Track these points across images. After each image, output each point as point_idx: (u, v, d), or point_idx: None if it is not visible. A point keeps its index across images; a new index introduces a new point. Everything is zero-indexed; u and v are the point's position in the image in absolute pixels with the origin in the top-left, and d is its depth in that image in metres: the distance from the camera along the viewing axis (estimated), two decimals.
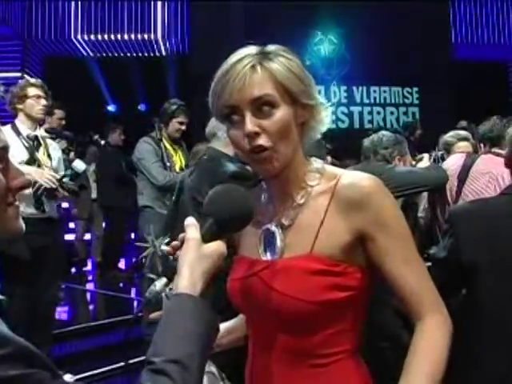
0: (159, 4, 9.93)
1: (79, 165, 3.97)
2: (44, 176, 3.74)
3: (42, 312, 3.91)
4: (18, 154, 3.75)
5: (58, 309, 5.93)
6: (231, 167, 2.77)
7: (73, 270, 7.62)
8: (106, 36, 9.86)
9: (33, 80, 4.21)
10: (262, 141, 1.19)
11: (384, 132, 3.55)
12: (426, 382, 1.16)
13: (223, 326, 1.45)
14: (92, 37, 9.84)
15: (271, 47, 1.25)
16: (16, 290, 3.55)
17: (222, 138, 2.69)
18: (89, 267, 7.94)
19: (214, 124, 2.88)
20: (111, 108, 10.17)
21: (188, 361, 0.97)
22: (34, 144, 3.93)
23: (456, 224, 1.94)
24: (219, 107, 1.23)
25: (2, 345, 0.83)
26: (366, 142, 3.49)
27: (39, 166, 3.88)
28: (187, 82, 9.20)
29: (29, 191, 3.51)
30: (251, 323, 1.37)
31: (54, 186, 3.74)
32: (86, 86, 9.16)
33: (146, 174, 4.88)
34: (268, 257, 1.29)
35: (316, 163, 1.31)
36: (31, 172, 3.59)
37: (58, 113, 5.69)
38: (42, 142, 3.98)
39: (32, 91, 3.94)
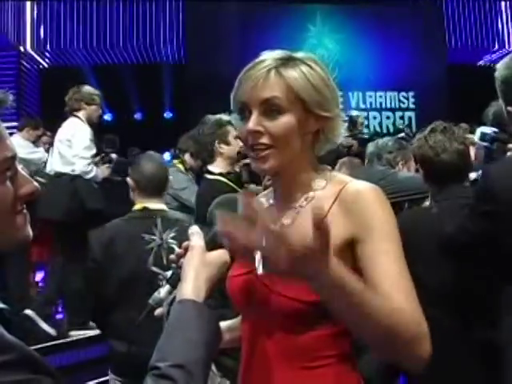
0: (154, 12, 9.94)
1: None
2: None
3: None
4: None
5: (57, 317, 5.92)
6: None
7: None
8: (101, 45, 9.87)
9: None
10: (264, 139, 1.25)
11: (389, 137, 3.59)
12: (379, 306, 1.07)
13: (225, 323, 1.49)
14: (88, 46, 9.85)
15: (299, 54, 1.30)
16: None
17: None
18: None
19: None
20: (107, 117, 10.17)
21: (193, 366, 0.98)
22: None
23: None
24: (235, 100, 1.30)
25: (7, 351, 0.84)
26: (371, 146, 3.52)
27: None
28: (183, 90, 9.21)
29: None
30: (246, 320, 1.38)
31: None
32: None
33: (187, 204, 4.57)
34: None
35: (326, 170, 1.35)
36: None
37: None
38: None
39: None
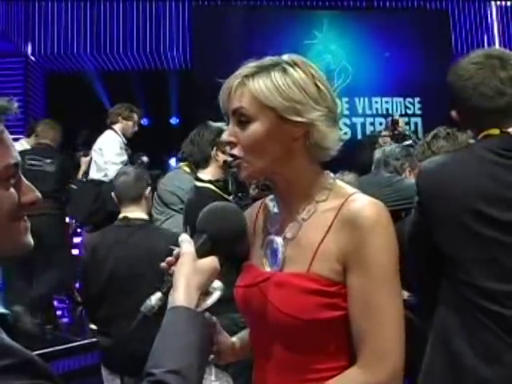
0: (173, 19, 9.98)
1: None
2: None
3: None
4: None
5: (63, 322, 5.94)
6: None
7: (77, 285, 7.57)
8: (108, 50, 9.90)
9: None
10: (235, 150, 1.27)
11: (396, 144, 3.58)
12: None
13: (239, 336, 1.49)
14: (94, 52, 9.89)
15: (282, 57, 1.28)
16: None
17: None
18: None
19: None
20: None
21: (187, 371, 0.98)
22: None
23: None
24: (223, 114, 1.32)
25: (8, 355, 0.84)
26: (378, 153, 3.52)
27: None
28: (189, 96, 9.22)
29: None
30: (252, 331, 1.40)
31: None
32: (89, 101, 9.19)
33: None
34: (270, 268, 1.31)
35: (328, 179, 1.31)
36: None
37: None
38: None
39: None
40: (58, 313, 6.37)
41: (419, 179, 1.86)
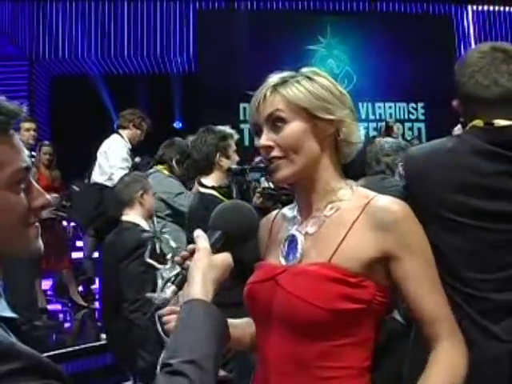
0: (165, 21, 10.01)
1: None
2: None
3: None
4: None
5: (66, 325, 5.94)
6: None
7: (80, 288, 7.58)
8: (112, 55, 9.93)
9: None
10: (275, 152, 1.33)
11: (386, 139, 3.51)
12: None
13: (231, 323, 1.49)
14: (99, 55, 9.91)
15: (302, 70, 1.39)
16: None
17: None
18: (96, 285, 7.87)
19: None
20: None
21: (204, 361, 0.99)
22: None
23: None
24: (251, 125, 1.42)
25: (16, 359, 0.85)
26: (368, 152, 3.40)
27: None
28: (193, 100, 9.23)
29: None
30: (259, 329, 1.39)
31: None
32: (93, 105, 9.20)
33: (182, 209, 4.17)
34: (287, 261, 1.34)
35: (350, 181, 1.39)
36: None
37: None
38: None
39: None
40: (61, 316, 6.38)
41: (405, 164, 1.95)
